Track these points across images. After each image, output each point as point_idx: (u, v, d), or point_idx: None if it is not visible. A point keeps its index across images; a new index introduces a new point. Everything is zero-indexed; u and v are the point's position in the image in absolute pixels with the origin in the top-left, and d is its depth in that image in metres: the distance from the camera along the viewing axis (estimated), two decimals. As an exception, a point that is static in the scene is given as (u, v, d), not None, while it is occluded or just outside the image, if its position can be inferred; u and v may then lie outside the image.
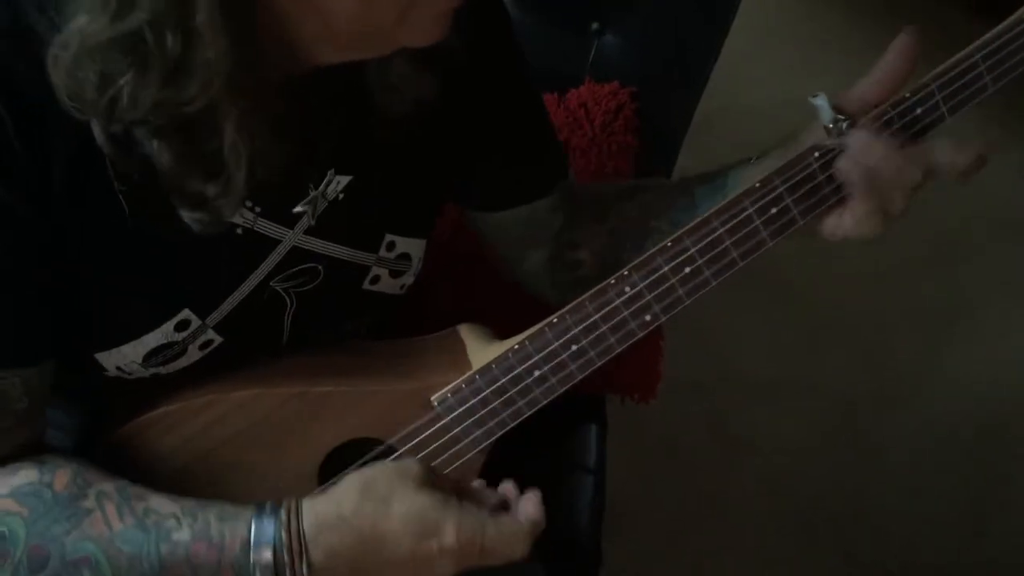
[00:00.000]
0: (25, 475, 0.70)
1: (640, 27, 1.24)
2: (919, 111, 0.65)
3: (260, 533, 0.67)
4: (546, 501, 0.73)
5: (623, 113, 1.22)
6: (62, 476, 0.70)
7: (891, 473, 1.82)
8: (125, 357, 0.73)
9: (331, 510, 0.67)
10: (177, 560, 0.67)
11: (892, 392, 1.89)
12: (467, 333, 0.83)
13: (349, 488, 0.68)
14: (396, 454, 0.81)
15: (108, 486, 0.70)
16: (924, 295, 1.95)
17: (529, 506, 0.72)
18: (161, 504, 0.69)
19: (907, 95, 0.65)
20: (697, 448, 1.80)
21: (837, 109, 0.68)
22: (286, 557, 0.66)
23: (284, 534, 0.66)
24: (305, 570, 0.66)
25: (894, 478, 1.82)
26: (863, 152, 0.66)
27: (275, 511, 0.68)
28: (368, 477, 0.69)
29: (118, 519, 0.68)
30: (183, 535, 0.67)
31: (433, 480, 0.69)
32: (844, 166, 0.68)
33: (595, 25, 1.24)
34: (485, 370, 0.76)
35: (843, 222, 0.71)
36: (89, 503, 0.69)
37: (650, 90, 1.24)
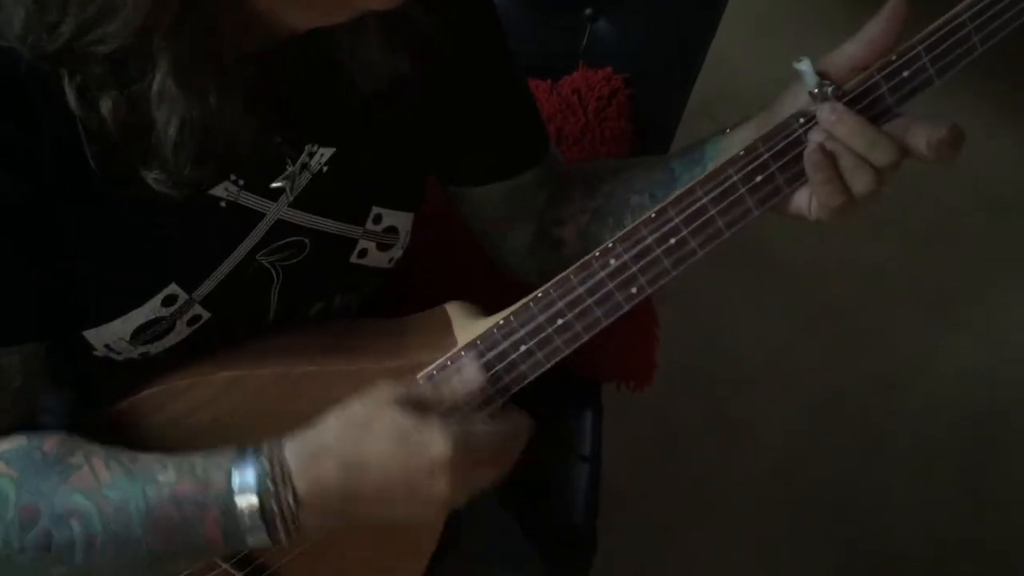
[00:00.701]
0: (15, 440, 0.71)
1: (634, 12, 1.24)
2: (906, 73, 0.64)
3: (242, 464, 0.67)
4: (542, 489, 0.73)
5: (617, 99, 1.22)
6: (52, 439, 0.71)
7: (890, 459, 1.82)
8: (114, 334, 0.74)
9: (311, 440, 0.67)
10: (162, 500, 0.67)
11: (891, 378, 1.89)
12: (453, 310, 0.82)
13: (328, 418, 0.68)
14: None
15: (96, 447, 0.71)
16: (923, 279, 1.95)
17: (515, 414, 0.72)
18: (149, 456, 0.70)
19: (893, 58, 0.65)
20: (694, 434, 1.80)
21: (822, 74, 0.67)
22: (270, 486, 0.66)
23: (267, 462, 0.66)
24: (291, 500, 0.66)
25: (893, 464, 1.82)
26: (834, 124, 0.66)
27: (257, 447, 0.68)
28: (346, 406, 0.68)
29: (105, 470, 0.69)
30: (168, 476, 0.68)
31: (411, 397, 0.69)
32: (815, 137, 0.67)
33: (588, 11, 1.24)
34: (470, 346, 0.75)
35: (804, 200, 0.70)
36: (77, 459, 0.70)
37: (644, 76, 1.24)
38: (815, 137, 0.67)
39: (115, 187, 0.66)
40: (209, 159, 0.65)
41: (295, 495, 0.66)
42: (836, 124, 0.66)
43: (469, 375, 0.72)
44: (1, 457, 0.70)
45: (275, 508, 0.66)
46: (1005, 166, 2.00)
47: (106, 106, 0.62)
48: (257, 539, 0.67)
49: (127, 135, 0.63)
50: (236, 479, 0.67)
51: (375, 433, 0.66)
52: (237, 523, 0.67)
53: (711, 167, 0.70)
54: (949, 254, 1.97)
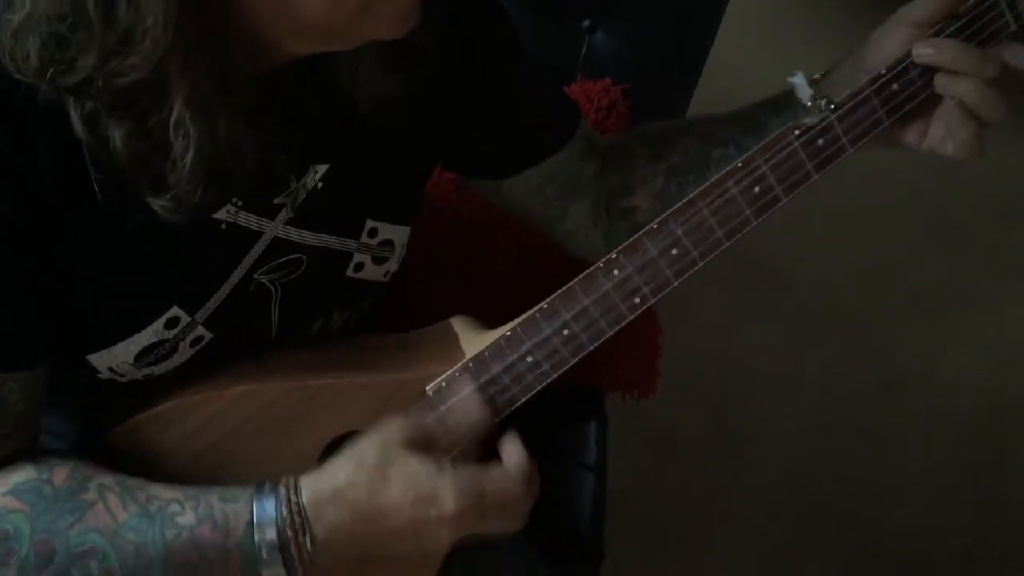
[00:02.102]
0: (23, 473, 0.71)
1: (631, 23, 1.24)
2: (895, 87, 0.66)
3: (262, 512, 0.68)
4: (548, 500, 0.74)
5: (616, 110, 1.22)
6: (60, 471, 0.71)
7: (895, 462, 1.82)
8: (117, 357, 0.74)
9: (327, 485, 0.69)
10: (183, 543, 0.68)
11: (895, 383, 1.88)
12: (460, 325, 0.83)
13: (343, 461, 0.70)
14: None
15: (107, 478, 0.71)
16: (928, 282, 1.94)
17: (510, 450, 0.73)
18: (162, 491, 0.71)
19: (883, 71, 0.66)
20: (699, 441, 1.80)
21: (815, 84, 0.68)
22: (289, 533, 0.67)
23: (285, 510, 0.68)
24: (309, 545, 0.68)
25: (898, 467, 1.82)
26: (956, 61, 0.67)
27: (274, 489, 0.69)
28: (360, 448, 0.70)
29: (121, 508, 0.69)
30: (187, 519, 0.69)
31: (421, 438, 0.71)
32: (941, 82, 0.68)
33: (586, 22, 1.24)
34: (478, 358, 0.77)
35: (938, 138, 0.71)
36: (90, 495, 0.70)
37: (643, 86, 1.24)
38: (941, 82, 0.68)
39: (118, 213, 0.67)
40: (216, 183, 0.66)
41: (312, 540, 0.68)
42: (936, 56, 0.67)
43: (470, 404, 0.75)
44: (12, 492, 0.69)
45: (294, 552, 0.68)
46: (1012, 168, 2.00)
47: (119, 135, 0.63)
48: (274, 574, 0.69)
49: (139, 163, 0.64)
50: (256, 526, 0.68)
51: (389, 481, 0.68)
52: (257, 562, 0.68)
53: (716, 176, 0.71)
54: (950, 257, 1.97)
